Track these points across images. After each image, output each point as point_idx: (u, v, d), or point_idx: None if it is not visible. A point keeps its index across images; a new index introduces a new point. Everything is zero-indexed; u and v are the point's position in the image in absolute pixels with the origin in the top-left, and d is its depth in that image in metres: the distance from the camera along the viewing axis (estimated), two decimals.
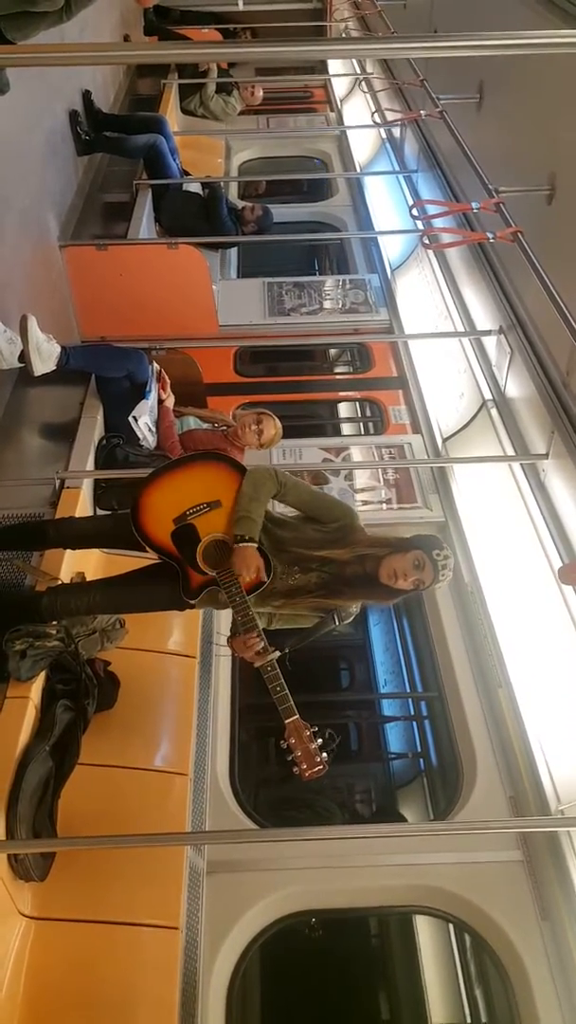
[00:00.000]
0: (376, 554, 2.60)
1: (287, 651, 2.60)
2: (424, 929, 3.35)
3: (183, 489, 2.77)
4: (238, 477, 2.76)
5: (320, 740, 2.30)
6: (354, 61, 8.13)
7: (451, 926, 3.10)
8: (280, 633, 2.74)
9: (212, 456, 3.02)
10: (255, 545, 2.62)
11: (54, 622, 2.96)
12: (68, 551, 3.25)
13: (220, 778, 3.26)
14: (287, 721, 2.34)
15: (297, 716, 2.34)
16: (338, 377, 6.09)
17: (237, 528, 2.63)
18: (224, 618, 3.74)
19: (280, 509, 2.88)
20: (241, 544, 2.61)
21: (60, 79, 5.27)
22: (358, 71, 8.01)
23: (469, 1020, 3.11)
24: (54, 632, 2.92)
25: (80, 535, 3.23)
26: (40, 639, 2.86)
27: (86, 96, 5.75)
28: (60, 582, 3.14)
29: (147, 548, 2.75)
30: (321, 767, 2.29)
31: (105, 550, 3.56)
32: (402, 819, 3.82)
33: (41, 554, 3.28)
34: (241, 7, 8.95)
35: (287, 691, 2.38)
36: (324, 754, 2.30)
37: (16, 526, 3.33)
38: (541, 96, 3.72)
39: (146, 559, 2.91)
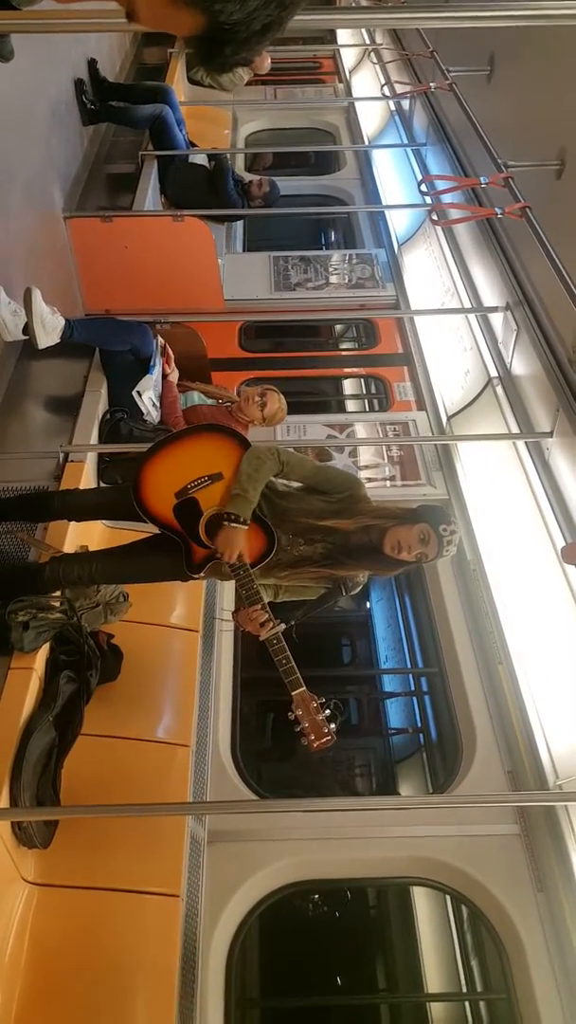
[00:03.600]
0: (381, 525, 2.56)
1: (292, 623, 2.58)
2: (422, 900, 3.40)
3: (184, 462, 2.72)
4: (240, 449, 2.69)
5: (327, 711, 2.31)
6: (363, 31, 8.02)
7: (448, 898, 3.14)
8: (288, 605, 2.73)
9: (213, 428, 2.95)
10: (244, 528, 2.56)
11: (56, 593, 2.97)
12: (72, 524, 3.25)
13: (221, 749, 3.30)
14: (294, 693, 2.34)
15: (304, 688, 2.34)
16: (343, 353, 6.07)
17: (229, 506, 2.58)
18: (229, 594, 3.75)
19: (284, 481, 2.86)
20: (229, 525, 2.56)
21: (65, 47, 5.19)
22: (367, 41, 7.88)
23: (464, 990, 3.16)
24: (57, 604, 2.94)
25: (84, 507, 3.23)
26: (43, 611, 2.88)
27: (92, 65, 5.67)
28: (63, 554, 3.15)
29: (149, 522, 2.74)
30: (329, 738, 2.30)
31: (109, 523, 3.56)
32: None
33: (45, 527, 3.29)
34: None
35: (293, 663, 2.38)
36: (332, 725, 2.31)
37: (20, 497, 3.33)
38: (553, 69, 3.66)
39: (150, 531, 2.91)
